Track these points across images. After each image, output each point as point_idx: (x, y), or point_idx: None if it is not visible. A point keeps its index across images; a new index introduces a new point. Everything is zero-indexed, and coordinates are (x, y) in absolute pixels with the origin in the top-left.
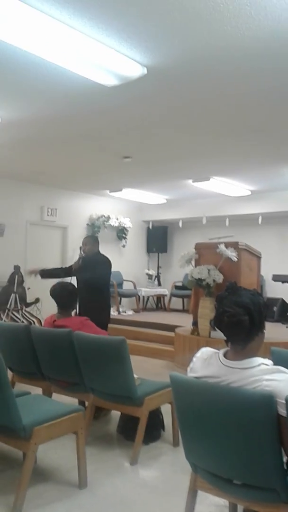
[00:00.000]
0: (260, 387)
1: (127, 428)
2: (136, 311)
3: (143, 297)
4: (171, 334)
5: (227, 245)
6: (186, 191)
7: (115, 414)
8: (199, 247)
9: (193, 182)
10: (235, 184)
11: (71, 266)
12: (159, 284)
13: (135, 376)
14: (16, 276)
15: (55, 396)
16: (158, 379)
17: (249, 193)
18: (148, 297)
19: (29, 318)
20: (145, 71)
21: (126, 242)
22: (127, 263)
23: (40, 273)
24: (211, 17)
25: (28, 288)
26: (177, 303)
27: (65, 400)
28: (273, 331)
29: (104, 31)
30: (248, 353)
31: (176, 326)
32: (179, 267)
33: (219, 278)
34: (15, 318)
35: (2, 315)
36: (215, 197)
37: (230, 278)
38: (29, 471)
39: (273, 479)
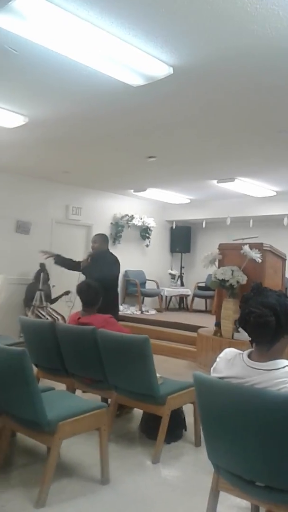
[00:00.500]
0: (285, 389)
1: (149, 426)
2: (158, 310)
3: (166, 297)
4: (194, 334)
5: (251, 246)
6: (210, 192)
7: (138, 412)
8: (222, 248)
9: (217, 182)
10: (260, 184)
11: (80, 261)
12: (182, 284)
13: (157, 375)
14: (42, 274)
15: (79, 392)
16: (180, 379)
17: (274, 193)
18: (170, 297)
19: (53, 315)
20: (171, 70)
21: (149, 241)
22: (150, 262)
23: (55, 258)
24: (238, 16)
25: (53, 286)
26: (199, 303)
27: (88, 397)
28: None
29: (131, 31)
30: (273, 355)
31: (199, 327)
32: (203, 268)
33: (243, 279)
34: (40, 315)
35: (27, 312)
36: (239, 197)
37: (254, 280)
38: (53, 465)
39: None
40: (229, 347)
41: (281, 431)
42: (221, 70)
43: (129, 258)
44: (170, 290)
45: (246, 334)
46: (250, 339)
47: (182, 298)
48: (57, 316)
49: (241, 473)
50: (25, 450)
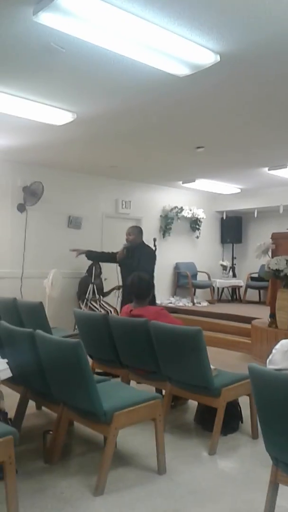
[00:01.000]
0: None
1: (205, 418)
2: (210, 302)
3: (218, 288)
4: (247, 326)
5: None
6: (261, 180)
7: (193, 403)
8: (276, 237)
9: (268, 170)
10: None
11: (115, 253)
12: (234, 275)
13: (212, 366)
14: (94, 268)
15: (133, 383)
16: (235, 371)
17: None
18: (223, 289)
19: (106, 307)
20: (218, 58)
21: (199, 233)
22: (201, 254)
23: (86, 255)
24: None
25: (105, 279)
26: (253, 294)
27: (143, 388)
28: None
29: (176, 20)
30: None
31: (253, 318)
32: (255, 258)
33: None
34: (93, 307)
35: (81, 305)
36: None
37: None
38: (110, 454)
39: None
40: (285, 338)
41: None
42: (269, 55)
43: (180, 250)
44: (222, 282)
45: None
46: None
47: (234, 289)
48: (109, 308)
49: None
50: (83, 439)
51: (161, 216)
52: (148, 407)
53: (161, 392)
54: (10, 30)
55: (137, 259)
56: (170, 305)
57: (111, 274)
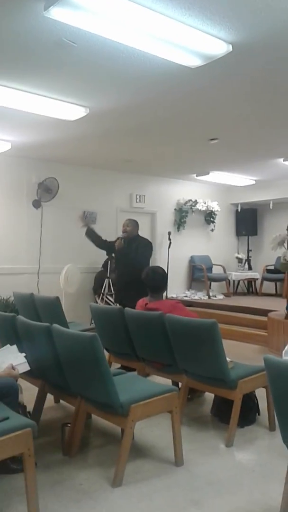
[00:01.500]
0: None
1: (222, 410)
2: (226, 295)
3: (234, 281)
4: (264, 318)
5: None
6: (277, 171)
7: (209, 396)
8: None
9: (284, 160)
10: None
11: (111, 242)
12: (250, 268)
13: (228, 359)
14: (109, 262)
15: (149, 376)
16: (252, 363)
17: None
18: (238, 281)
19: None
20: (230, 48)
21: (214, 226)
22: (216, 247)
23: (87, 229)
24: None
25: None
26: (269, 287)
27: (159, 381)
28: None
29: (187, 11)
30: None
31: (269, 311)
32: (271, 250)
33: None
34: (109, 301)
35: (97, 299)
36: None
37: None
38: (128, 446)
39: None
40: None
41: None
42: (283, 43)
43: (194, 244)
44: (237, 274)
45: None
46: None
47: (250, 282)
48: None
49: None
50: (101, 432)
51: (175, 209)
52: (164, 399)
53: (177, 385)
54: (21, 27)
55: (134, 250)
56: (185, 298)
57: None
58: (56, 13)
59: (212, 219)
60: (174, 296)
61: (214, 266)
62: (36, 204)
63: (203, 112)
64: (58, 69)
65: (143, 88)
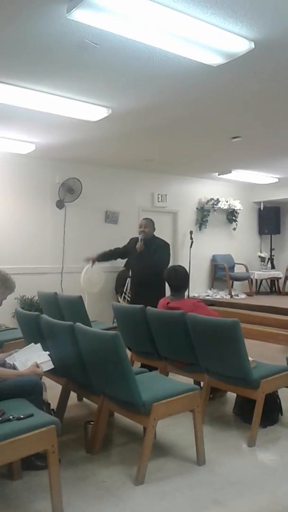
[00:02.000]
0: None
1: (244, 410)
2: (249, 294)
3: (256, 280)
4: (287, 318)
5: None
6: None
7: (231, 395)
8: None
9: None
10: None
11: (124, 247)
12: (273, 267)
13: (250, 359)
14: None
15: (171, 375)
16: (274, 363)
17: None
18: (261, 280)
19: None
20: (252, 45)
21: (236, 224)
22: (238, 246)
23: (97, 260)
24: None
25: None
26: None
27: (181, 380)
28: None
29: (208, 9)
30: None
31: None
32: None
33: None
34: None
35: (119, 298)
36: None
37: None
38: (150, 445)
39: None
40: None
41: None
42: None
43: (216, 243)
44: (260, 273)
45: None
46: None
47: (273, 281)
48: None
49: None
50: (123, 430)
51: (197, 208)
52: (186, 398)
53: (199, 384)
54: (45, 30)
55: (152, 250)
56: (207, 297)
57: None
58: (78, 15)
59: (234, 218)
60: (196, 295)
61: (236, 265)
62: (60, 204)
63: (225, 110)
64: (81, 70)
65: (164, 87)
